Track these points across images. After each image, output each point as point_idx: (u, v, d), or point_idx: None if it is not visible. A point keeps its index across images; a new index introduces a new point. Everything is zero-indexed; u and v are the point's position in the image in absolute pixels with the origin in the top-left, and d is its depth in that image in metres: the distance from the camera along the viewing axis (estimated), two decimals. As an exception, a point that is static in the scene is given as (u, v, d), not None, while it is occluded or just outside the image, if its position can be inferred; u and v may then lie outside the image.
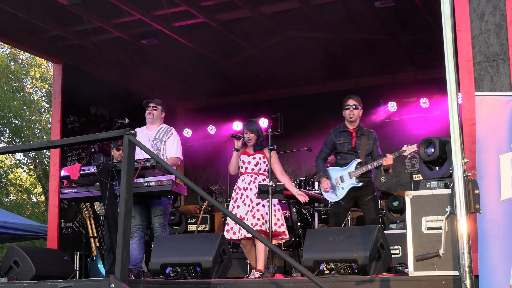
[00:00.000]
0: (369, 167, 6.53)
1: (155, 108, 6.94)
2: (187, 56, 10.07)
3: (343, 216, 6.76)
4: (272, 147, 6.43)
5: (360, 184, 6.53)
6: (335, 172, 6.69)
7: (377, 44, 9.91)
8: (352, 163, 6.59)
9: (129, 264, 6.59)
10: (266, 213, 6.33)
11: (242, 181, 6.55)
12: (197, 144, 12.02)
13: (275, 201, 6.42)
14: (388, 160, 6.44)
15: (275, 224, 6.37)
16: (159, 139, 6.85)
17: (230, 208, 6.54)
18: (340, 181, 6.61)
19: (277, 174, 6.55)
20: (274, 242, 6.57)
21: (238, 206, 6.45)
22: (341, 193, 6.61)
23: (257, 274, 6.16)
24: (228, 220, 6.45)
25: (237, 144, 6.62)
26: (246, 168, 6.57)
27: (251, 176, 6.53)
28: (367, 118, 10.77)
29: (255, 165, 6.55)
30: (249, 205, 6.41)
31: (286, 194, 7.63)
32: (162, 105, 7.02)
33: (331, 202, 6.89)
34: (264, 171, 6.56)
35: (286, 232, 6.54)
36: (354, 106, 6.66)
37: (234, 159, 6.65)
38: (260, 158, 6.55)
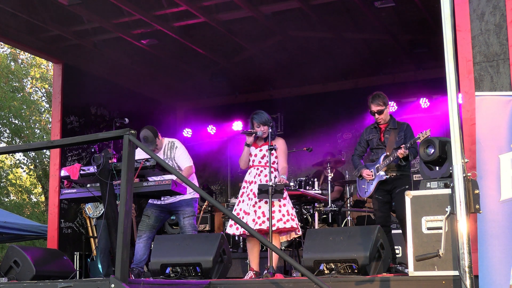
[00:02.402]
0: (391, 158, 6.46)
1: (155, 147, 7.03)
2: (187, 56, 10.07)
3: (384, 210, 6.59)
4: (272, 146, 6.37)
5: (385, 177, 6.46)
6: (368, 168, 6.68)
7: (377, 44, 9.91)
8: (380, 157, 6.60)
9: (131, 263, 6.66)
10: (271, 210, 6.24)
11: (249, 174, 6.50)
12: (197, 144, 12.01)
13: (284, 194, 6.32)
14: (401, 151, 6.37)
15: (280, 220, 6.23)
16: (169, 158, 6.99)
17: (236, 202, 6.51)
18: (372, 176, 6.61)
19: (279, 167, 6.46)
20: (285, 238, 6.49)
21: (243, 201, 6.41)
22: (370, 188, 6.58)
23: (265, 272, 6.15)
24: (235, 214, 6.38)
25: (249, 139, 6.49)
26: (253, 161, 6.51)
27: (257, 169, 6.46)
28: (367, 118, 10.80)
29: (262, 158, 6.47)
30: (251, 199, 6.34)
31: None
32: (156, 134, 7.03)
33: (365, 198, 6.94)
34: (273, 163, 6.35)
35: (295, 226, 6.31)
36: (378, 112, 6.65)
37: (245, 154, 6.54)
38: (267, 150, 6.37)
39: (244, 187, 6.50)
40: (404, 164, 6.52)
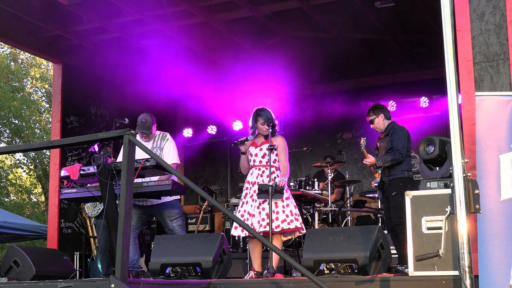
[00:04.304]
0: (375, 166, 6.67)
1: (150, 133, 6.90)
2: (187, 56, 10.07)
3: (389, 216, 6.61)
4: (272, 146, 6.35)
5: (375, 184, 6.67)
6: None
7: (377, 44, 9.91)
8: None
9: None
10: (274, 211, 6.21)
11: (251, 174, 6.43)
12: (197, 144, 12.03)
13: (287, 193, 6.33)
14: (366, 159, 6.65)
15: (284, 220, 6.21)
16: (158, 147, 6.86)
17: (239, 203, 6.45)
18: None
19: (280, 163, 6.40)
20: (289, 237, 6.49)
21: (247, 202, 6.36)
22: (380, 195, 6.87)
23: (265, 272, 6.16)
24: (239, 215, 6.37)
25: (243, 148, 6.46)
26: (254, 161, 6.42)
27: (259, 169, 6.38)
28: (367, 118, 10.79)
29: (262, 157, 6.38)
30: (255, 200, 6.29)
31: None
32: (153, 122, 6.91)
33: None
34: (274, 161, 6.29)
35: (299, 226, 6.28)
36: (370, 122, 6.91)
37: (244, 161, 6.52)
38: (267, 149, 6.31)
39: (247, 188, 6.43)
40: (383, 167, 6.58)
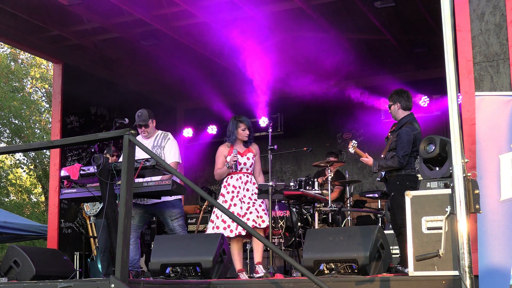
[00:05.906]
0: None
1: (147, 127, 6.89)
2: (187, 56, 10.07)
3: (391, 213, 6.36)
4: (272, 147, 6.41)
5: (378, 179, 6.43)
6: None
7: (377, 44, 9.91)
8: None
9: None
10: (266, 213, 6.40)
11: (237, 180, 6.54)
12: (197, 144, 12.02)
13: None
14: (363, 158, 6.41)
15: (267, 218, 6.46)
16: (158, 146, 6.86)
17: (225, 206, 6.48)
18: None
19: (255, 172, 6.63)
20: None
21: (235, 204, 6.44)
22: (387, 188, 6.47)
23: (261, 268, 6.22)
24: (224, 217, 6.40)
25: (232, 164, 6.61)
26: (241, 169, 6.58)
27: (247, 176, 6.57)
28: (367, 118, 10.81)
29: (250, 166, 6.60)
30: (248, 203, 6.42)
31: (286, 194, 7.65)
32: (151, 116, 6.90)
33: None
34: (251, 166, 6.61)
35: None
36: (388, 107, 6.52)
37: (224, 172, 6.65)
38: (252, 158, 6.61)
39: (233, 192, 6.52)
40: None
